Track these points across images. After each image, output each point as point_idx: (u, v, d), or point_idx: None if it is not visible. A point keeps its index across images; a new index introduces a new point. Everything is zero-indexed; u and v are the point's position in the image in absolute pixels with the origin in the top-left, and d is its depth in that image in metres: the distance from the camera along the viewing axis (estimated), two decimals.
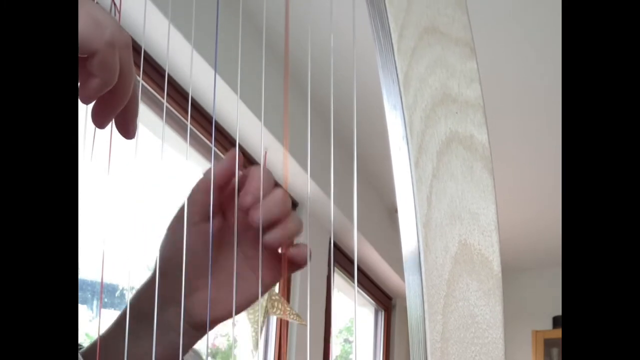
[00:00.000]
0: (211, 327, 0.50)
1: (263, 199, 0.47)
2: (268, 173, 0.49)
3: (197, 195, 0.48)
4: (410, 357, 0.36)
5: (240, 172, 0.48)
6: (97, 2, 0.36)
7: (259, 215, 0.46)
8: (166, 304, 0.48)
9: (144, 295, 0.50)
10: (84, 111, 0.41)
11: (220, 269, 0.50)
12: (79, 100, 0.35)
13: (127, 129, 0.40)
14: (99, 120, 0.38)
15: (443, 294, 0.34)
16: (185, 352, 0.50)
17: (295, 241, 0.50)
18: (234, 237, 0.49)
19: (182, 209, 0.48)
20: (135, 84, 0.39)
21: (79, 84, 0.35)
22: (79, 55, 0.34)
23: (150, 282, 0.49)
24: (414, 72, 0.36)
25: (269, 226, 0.47)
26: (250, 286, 0.50)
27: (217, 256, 0.50)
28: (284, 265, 0.49)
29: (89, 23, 0.34)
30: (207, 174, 0.48)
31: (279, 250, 0.49)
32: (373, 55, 0.37)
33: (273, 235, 0.48)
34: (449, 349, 0.34)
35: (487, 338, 0.34)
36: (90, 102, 0.36)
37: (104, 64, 0.35)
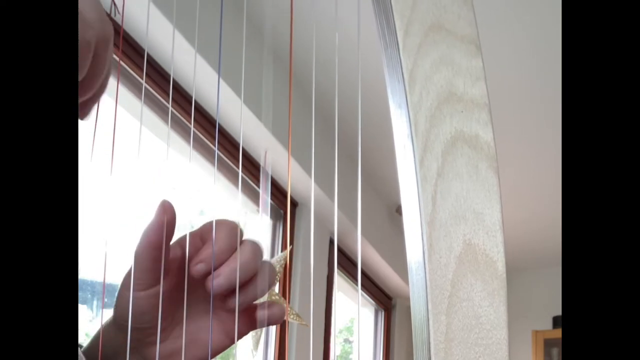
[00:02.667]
0: None
1: (222, 264, 0.45)
2: (230, 228, 0.46)
3: (140, 261, 0.45)
4: (414, 357, 0.36)
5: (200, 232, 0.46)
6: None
7: (215, 285, 0.44)
8: (121, 354, 0.47)
9: (96, 345, 0.49)
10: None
11: (178, 323, 0.49)
12: None
13: (81, 113, 0.38)
14: None
15: (447, 294, 0.34)
16: None
17: (270, 297, 0.48)
18: (186, 295, 0.47)
19: (128, 274, 0.45)
20: (107, 75, 0.38)
21: None
22: None
23: (105, 333, 0.48)
24: (419, 70, 0.36)
25: (234, 290, 0.45)
26: (215, 337, 0.49)
27: (174, 313, 0.48)
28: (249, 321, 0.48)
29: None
30: (143, 234, 0.45)
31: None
32: (377, 55, 0.37)
33: (235, 301, 0.46)
34: (452, 350, 0.34)
35: (491, 339, 0.34)
36: None
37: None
